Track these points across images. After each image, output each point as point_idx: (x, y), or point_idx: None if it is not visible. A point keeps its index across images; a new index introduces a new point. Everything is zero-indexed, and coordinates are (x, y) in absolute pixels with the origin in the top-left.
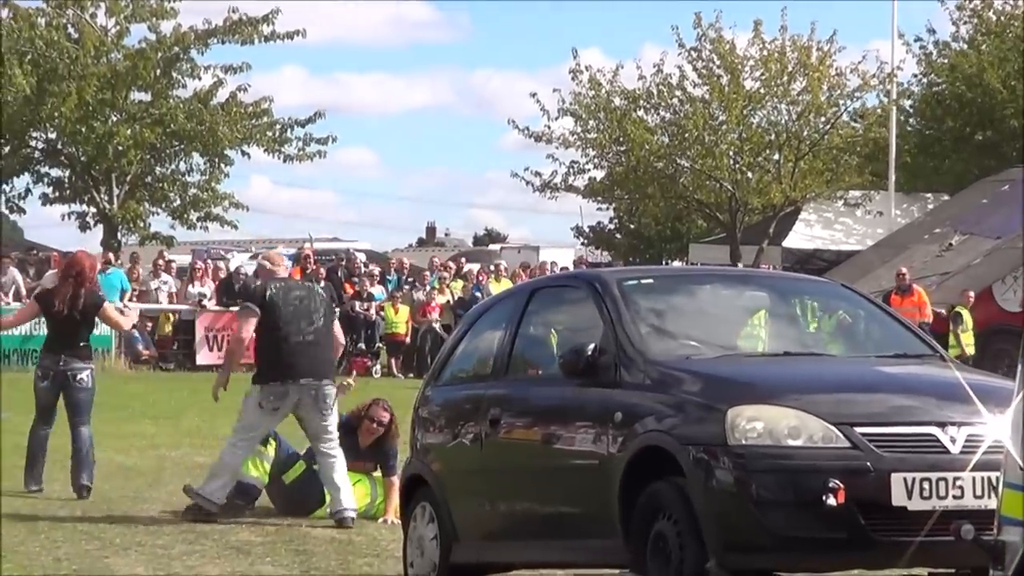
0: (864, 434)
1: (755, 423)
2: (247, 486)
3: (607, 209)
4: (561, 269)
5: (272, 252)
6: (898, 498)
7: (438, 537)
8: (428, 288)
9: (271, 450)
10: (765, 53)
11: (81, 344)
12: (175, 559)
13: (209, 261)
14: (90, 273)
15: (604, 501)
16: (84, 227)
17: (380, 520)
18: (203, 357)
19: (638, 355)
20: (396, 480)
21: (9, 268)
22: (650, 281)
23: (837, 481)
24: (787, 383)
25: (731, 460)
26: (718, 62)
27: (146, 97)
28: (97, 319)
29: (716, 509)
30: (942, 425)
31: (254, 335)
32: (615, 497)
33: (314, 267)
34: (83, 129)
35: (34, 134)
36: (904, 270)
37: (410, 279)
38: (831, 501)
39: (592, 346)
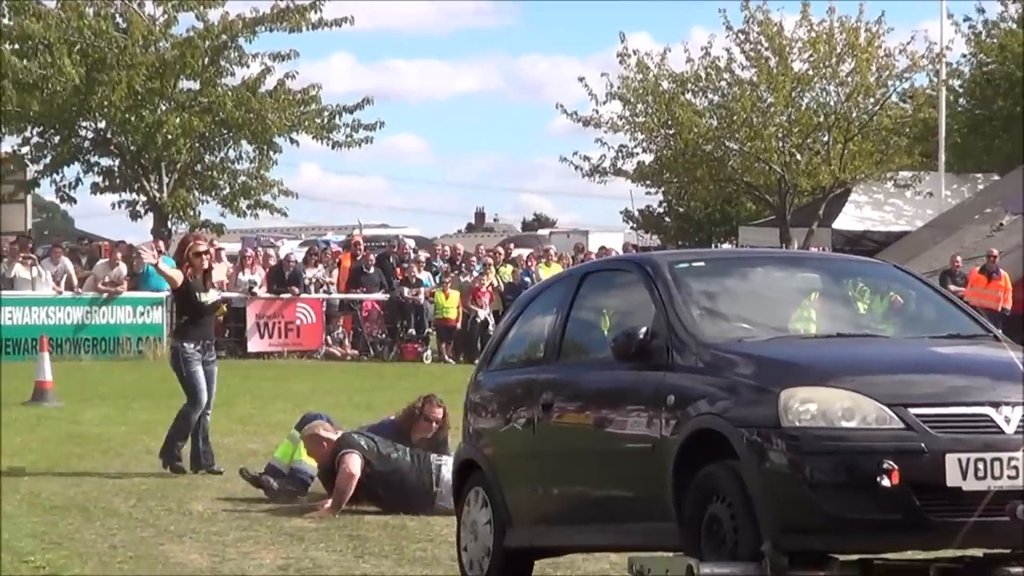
0: (918, 415)
1: (808, 405)
2: (301, 473)
3: (656, 193)
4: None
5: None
6: (952, 479)
7: (491, 521)
8: (476, 273)
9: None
10: (813, 35)
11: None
12: (230, 545)
13: (259, 248)
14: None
15: (657, 484)
16: (134, 216)
17: None
18: (254, 344)
19: (690, 338)
20: None
21: (61, 258)
22: (701, 264)
23: (891, 462)
24: (840, 364)
25: (785, 442)
26: (766, 44)
27: (194, 85)
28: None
29: (770, 491)
30: (996, 405)
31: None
32: (668, 480)
33: (364, 254)
34: (132, 118)
35: (84, 123)
36: (995, 252)
37: (461, 264)
38: (885, 482)
39: (644, 329)
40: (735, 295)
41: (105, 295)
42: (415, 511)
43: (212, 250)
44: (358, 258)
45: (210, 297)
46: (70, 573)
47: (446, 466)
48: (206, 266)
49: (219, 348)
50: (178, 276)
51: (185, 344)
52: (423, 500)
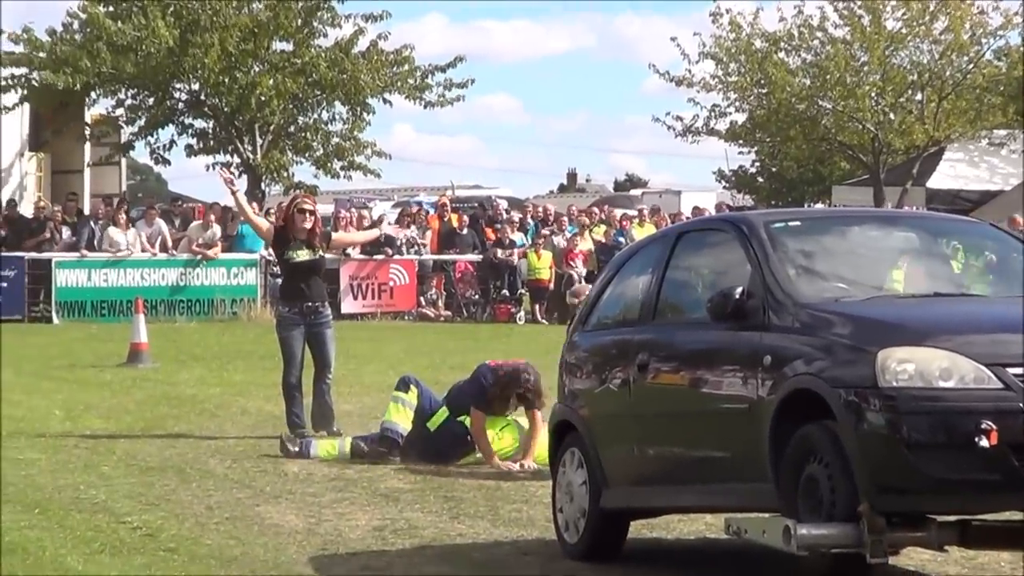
0: (1017, 375)
1: (906, 365)
2: (392, 433)
3: (749, 152)
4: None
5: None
6: None
7: (587, 482)
8: (569, 234)
9: (412, 396)
10: None
11: None
12: (325, 507)
13: (352, 210)
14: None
15: (754, 445)
16: None
17: (517, 465)
18: (347, 306)
19: (786, 298)
20: (539, 415)
21: (155, 219)
22: (797, 223)
23: (989, 422)
24: (937, 324)
25: (882, 402)
26: (859, 3)
27: (288, 47)
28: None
29: (868, 452)
30: None
31: None
32: (765, 441)
33: (451, 215)
34: (226, 80)
35: (178, 85)
36: (1020, 219)
37: (553, 224)
38: (983, 443)
39: (740, 289)
40: (831, 254)
41: (199, 257)
42: None
43: (317, 211)
44: (445, 219)
45: (298, 255)
46: (167, 534)
47: None
48: (308, 225)
49: None
50: (262, 224)
51: (280, 306)
52: None
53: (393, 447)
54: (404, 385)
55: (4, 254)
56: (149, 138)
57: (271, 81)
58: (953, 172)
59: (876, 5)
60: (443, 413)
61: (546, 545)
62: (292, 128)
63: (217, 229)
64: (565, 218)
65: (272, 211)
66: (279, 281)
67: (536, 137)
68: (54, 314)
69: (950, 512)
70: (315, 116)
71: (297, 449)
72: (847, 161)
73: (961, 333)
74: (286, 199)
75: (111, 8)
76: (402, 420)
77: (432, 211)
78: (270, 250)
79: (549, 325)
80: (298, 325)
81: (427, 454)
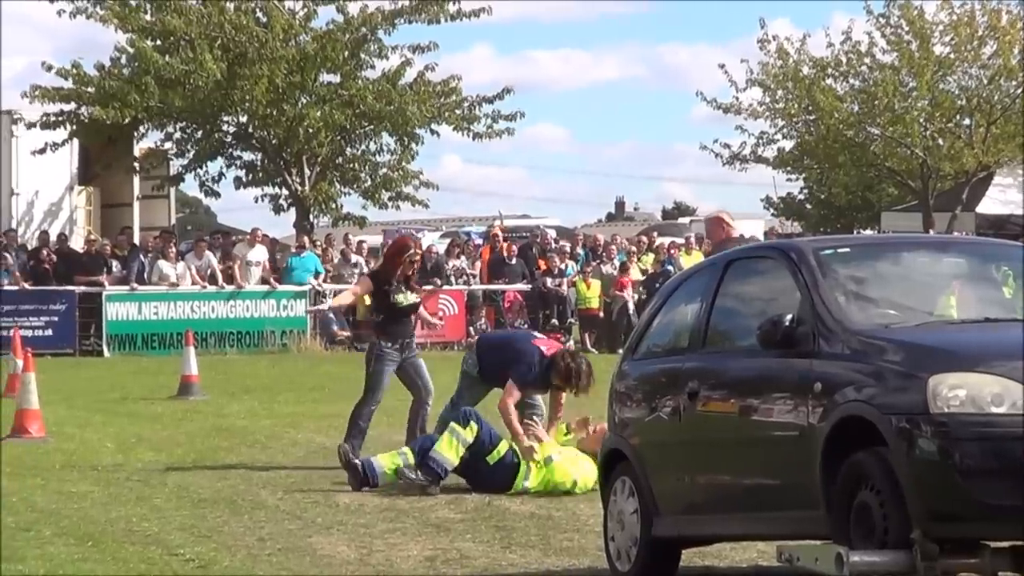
0: None
1: (957, 391)
2: (437, 465)
3: (797, 179)
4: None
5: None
6: None
7: (638, 511)
8: (617, 263)
9: (470, 433)
10: (955, 18)
11: None
12: (377, 537)
13: None
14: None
15: (805, 472)
16: (277, 209)
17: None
18: None
19: (836, 325)
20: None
21: (205, 252)
22: (847, 250)
23: None
24: (989, 349)
25: (934, 429)
26: (907, 28)
27: (335, 79)
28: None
29: (920, 478)
30: None
31: None
32: (816, 468)
33: (503, 245)
34: (274, 112)
35: (226, 118)
36: None
37: (602, 253)
38: None
39: (790, 316)
40: (881, 280)
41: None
42: None
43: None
44: (497, 249)
45: (407, 299)
46: (219, 566)
47: None
48: (410, 272)
49: (363, 341)
50: (357, 294)
51: (382, 342)
52: None
53: (436, 480)
54: (465, 420)
55: (55, 288)
56: (198, 170)
57: (319, 113)
58: (1003, 197)
59: (924, 30)
60: (504, 447)
61: (598, 574)
62: (340, 159)
63: (262, 249)
64: (614, 247)
65: (319, 243)
66: (331, 315)
67: (584, 166)
68: (105, 347)
69: (1003, 538)
70: (363, 147)
71: (359, 462)
72: (896, 187)
73: (1013, 358)
74: (334, 231)
75: (159, 42)
76: (452, 455)
77: (481, 241)
78: (318, 280)
79: (599, 354)
80: (395, 360)
81: (484, 486)
